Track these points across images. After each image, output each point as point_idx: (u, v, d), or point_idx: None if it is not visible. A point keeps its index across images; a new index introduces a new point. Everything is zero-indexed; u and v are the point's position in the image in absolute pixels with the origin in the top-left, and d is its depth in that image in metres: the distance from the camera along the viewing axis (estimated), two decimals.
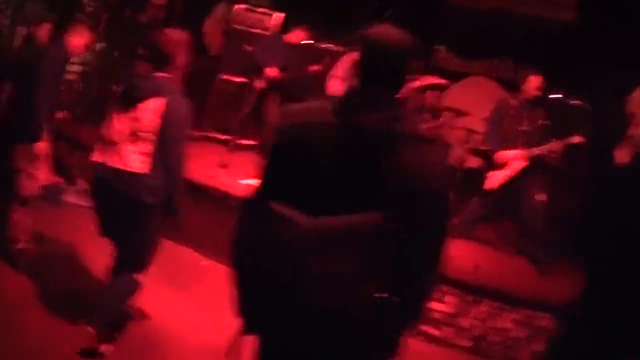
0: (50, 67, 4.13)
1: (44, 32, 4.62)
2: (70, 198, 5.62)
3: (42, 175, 4.32)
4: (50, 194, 5.26)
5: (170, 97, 3.20)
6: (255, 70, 6.70)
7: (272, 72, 6.66)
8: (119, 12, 7.11)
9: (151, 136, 3.19)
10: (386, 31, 1.90)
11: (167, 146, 3.20)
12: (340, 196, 1.78)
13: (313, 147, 1.84)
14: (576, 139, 5.23)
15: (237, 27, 7.70)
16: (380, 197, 1.75)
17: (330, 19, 7.80)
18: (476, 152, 5.84)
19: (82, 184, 5.41)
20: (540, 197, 5.34)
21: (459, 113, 6.50)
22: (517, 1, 7.84)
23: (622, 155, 3.88)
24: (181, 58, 3.31)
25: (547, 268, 5.17)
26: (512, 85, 7.80)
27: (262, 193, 1.93)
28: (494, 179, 5.45)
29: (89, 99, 6.98)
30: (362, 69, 1.91)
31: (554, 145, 5.33)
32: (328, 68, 6.51)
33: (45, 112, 4.12)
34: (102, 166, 3.28)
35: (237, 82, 7.43)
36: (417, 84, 5.78)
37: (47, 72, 4.08)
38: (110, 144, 3.27)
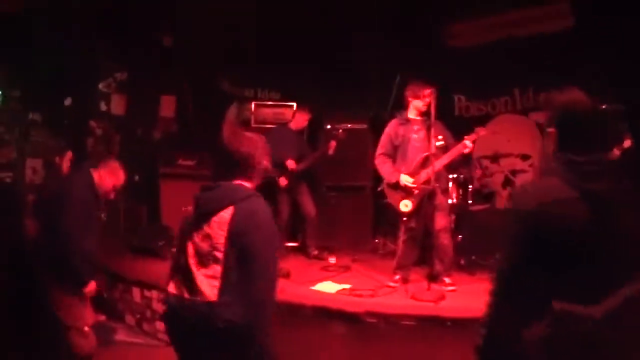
0: (78, 195, 3.85)
1: (66, 162, 4.39)
2: (122, 336, 5.28)
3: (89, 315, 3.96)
4: (99, 334, 4.86)
5: (243, 204, 2.67)
6: (275, 167, 6.47)
7: (291, 164, 6.56)
8: (130, 132, 6.97)
9: (225, 255, 2.66)
10: (581, 97, 1.96)
11: (244, 265, 2.62)
12: (596, 270, 1.76)
13: (570, 225, 1.78)
14: (627, 143, 4.95)
15: (256, 125, 7.48)
16: (630, 263, 1.76)
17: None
18: None
19: (130, 319, 5.04)
20: None
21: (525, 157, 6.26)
22: (513, 24, 7.68)
23: None
24: (259, 162, 2.85)
25: None
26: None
27: (511, 298, 1.83)
28: None
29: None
30: (582, 137, 1.91)
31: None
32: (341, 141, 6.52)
33: (83, 245, 3.83)
34: (174, 298, 2.77)
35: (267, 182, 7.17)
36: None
37: (76, 201, 3.81)
38: (181, 270, 2.78)
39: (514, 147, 7.48)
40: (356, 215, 7.21)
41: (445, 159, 5.18)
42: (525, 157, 7.57)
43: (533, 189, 1.91)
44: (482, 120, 7.65)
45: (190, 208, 2.81)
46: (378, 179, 5.83)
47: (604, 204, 1.78)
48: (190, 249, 2.74)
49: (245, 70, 7.93)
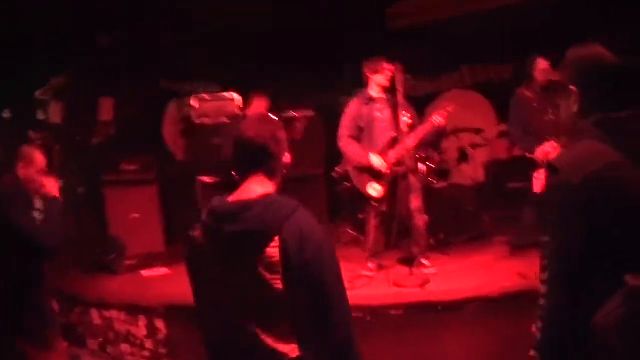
0: (14, 212, 3.25)
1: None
2: None
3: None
4: None
5: (290, 228, 1.90)
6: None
7: None
8: (69, 140, 6.41)
9: (290, 301, 1.91)
10: (605, 51, 1.79)
11: (313, 303, 1.90)
12: None
13: (631, 189, 1.56)
14: None
15: (200, 121, 6.81)
16: None
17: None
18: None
19: (92, 344, 4.59)
20: None
21: (478, 131, 6.12)
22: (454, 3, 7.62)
23: None
24: (281, 150, 2.10)
25: None
26: (490, 87, 7.70)
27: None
28: (540, 181, 4.94)
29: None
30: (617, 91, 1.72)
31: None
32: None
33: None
34: None
35: (220, 181, 6.65)
36: None
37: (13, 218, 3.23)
38: (231, 343, 2.01)
39: (466, 121, 7.38)
40: (310, 206, 6.88)
41: (415, 138, 4.95)
42: (478, 131, 7.53)
43: (575, 157, 1.65)
44: (431, 98, 7.62)
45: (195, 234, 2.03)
46: (332, 164, 5.57)
47: None
48: (238, 305, 1.95)
49: (181, 64, 7.46)
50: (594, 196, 1.56)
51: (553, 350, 1.64)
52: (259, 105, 6.32)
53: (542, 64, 5.10)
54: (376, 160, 4.96)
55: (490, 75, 7.94)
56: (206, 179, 6.68)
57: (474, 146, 7.43)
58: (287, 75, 7.20)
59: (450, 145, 7.35)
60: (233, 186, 2.08)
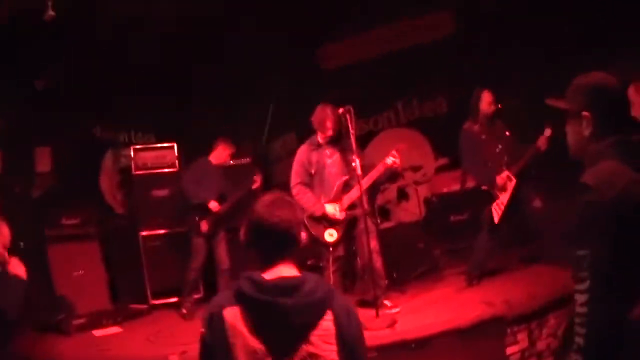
0: None
1: None
2: None
3: None
4: None
5: (336, 302, 2.01)
6: (195, 210, 5.93)
7: (214, 206, 5.95)
8: (7, 191, 6.07)
9: None
10: (612, 78, 1.95)
11: None
12: None
13: None
14: (548, 132, 5.15)
15: (139, 172, 6.70)
16: None
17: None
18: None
19: None
20: (537, 203, 5.24)
21: (416, 169, 6.26)
22: (390, 38, 7.86)
23: None
24: (301, 232, 2.13)
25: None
26: (425, 122, 7.93)
27: None
28: (497, 209, 5.15)
29: None
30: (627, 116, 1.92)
31: (531, 151, 5.21)
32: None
33: None
34: None
35: (163, 234, 6.59)
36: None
37: None
38: None
39: (404, 160, 7.53)
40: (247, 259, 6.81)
41: (368, 180, 5.02)
42: (416, 169, 7.72)
43: (605, 175, 1.81)
44: (366, 138, 7.76)
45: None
46: None
47: None
48: None
49: (116, 113, 7.27)
50: (625, 210, 1.75)
51: (600, 351, 1.76)
52: (224, 150, 6.24)
53: (487, 96, 5.27)
54: (330, 210, 5.00)
55: (424, 110, 8.14)
56: (148, 233, 6.51)
57: (415, 183, 7.62)
58: (222, 122, 7.17)
59: (389, 185, 7.49)
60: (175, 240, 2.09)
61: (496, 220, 5.13)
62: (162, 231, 6.56)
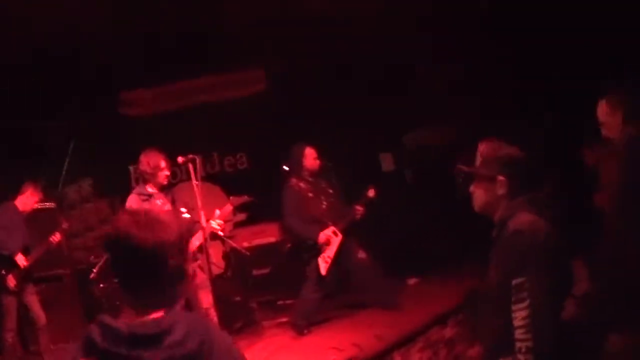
0: None
1: None
2: None
3: None
4: None
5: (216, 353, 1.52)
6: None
7: (21, 260, 5.30)
8: None
9: None
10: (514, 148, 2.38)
11: None
12: None
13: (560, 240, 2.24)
14: (372, 193, 5.58)
15: None
16: None
17: None
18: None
19: None
20: (361, 255, 5.52)
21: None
22: (198, 90, 7.81)
23: None
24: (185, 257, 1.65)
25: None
26: (224, 177, 7.92)
27: None
28: (323, 263, 5.34)
29: None
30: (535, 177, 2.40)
31: (358, 208, 5.55)
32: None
33: None
34: None
35: None
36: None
37: None
38: None
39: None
40: (63, 308, 6.09)
41: (199, 237, 4.85)
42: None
43: (530, 223, 2.24)
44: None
45: None
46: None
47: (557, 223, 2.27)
48: None
49: None
50: (554, 243, 2.22)
51: (549, 350, 2.13)
52: (31, 197, 5.60)
53: (310, 151, 5.48)
54: None
55: (224, 165, 8.16)
56: None
57: (213, 238, 7.47)
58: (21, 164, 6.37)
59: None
60: None
61: (323, 272, 5.32)
62: None
